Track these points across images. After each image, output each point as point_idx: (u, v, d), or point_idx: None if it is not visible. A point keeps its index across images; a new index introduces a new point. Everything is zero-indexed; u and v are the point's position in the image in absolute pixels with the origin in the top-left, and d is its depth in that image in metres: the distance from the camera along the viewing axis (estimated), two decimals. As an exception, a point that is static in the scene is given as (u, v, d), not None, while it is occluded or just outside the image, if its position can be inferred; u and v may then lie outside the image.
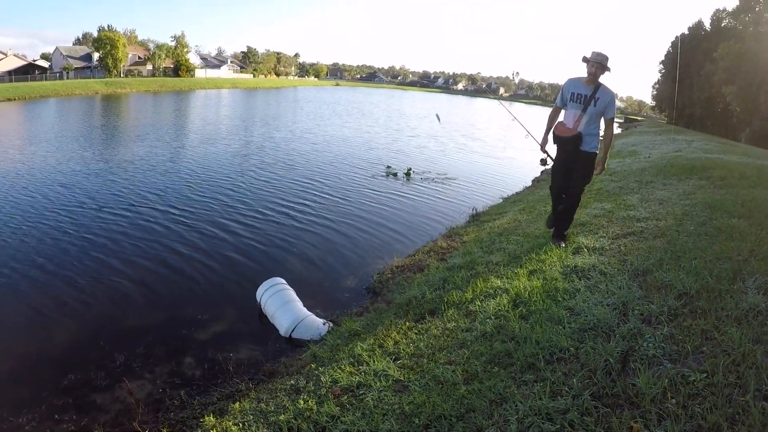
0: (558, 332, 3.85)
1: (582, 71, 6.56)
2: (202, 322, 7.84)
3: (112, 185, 16.35)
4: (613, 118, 6.54)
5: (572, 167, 6.59)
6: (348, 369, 4.52)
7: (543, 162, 7.15)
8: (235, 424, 4.23)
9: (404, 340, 4.94)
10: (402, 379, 4.00)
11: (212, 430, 4.31)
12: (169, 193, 15.44)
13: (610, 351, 3.39)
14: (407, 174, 18.65)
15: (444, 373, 3.77)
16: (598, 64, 6.21)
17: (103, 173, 18.39)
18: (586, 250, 6.11)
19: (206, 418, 4.63)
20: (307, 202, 14.48)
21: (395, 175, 18.74)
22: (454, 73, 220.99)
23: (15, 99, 61.34)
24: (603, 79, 6.41)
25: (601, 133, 6.69)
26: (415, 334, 5.06)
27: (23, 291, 9.04)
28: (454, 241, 9.98)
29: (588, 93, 6.36)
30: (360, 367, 4.50)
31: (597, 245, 6.23)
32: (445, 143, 30.37)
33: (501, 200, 15.06)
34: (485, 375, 3.58)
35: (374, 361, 4.49)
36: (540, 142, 6.99)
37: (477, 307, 5.09)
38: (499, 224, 10.34)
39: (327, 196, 15.25)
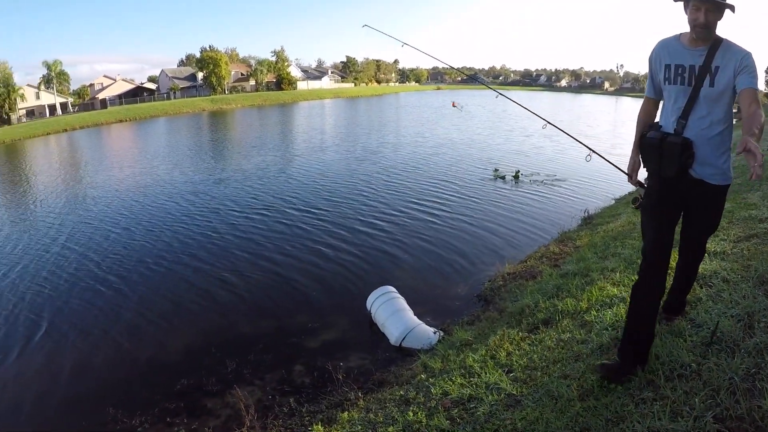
0: (679, 346, 3.63)
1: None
2: (313, 330, 8.06)
3: (233, 193, 17.62)
4: (754, 89, 3.15)
5: (676, 208, 3.57)
6: (459, 381, 4.48)
7: (637, 203, 4.07)
8: (342, 434, 4.32)
9: (517, 352, 4.84)
10: (515, 393, 3.92)
11: (320, 438, 4.44)
12: (282, 201, 16.19)
13: (735, 368, 3.15)
14: (515, 176, 18.33)
15: (558, 388, 3.66)
16: (709, 4, 3.15)
17: (225, 182, 19.84)
18: (706, 255, 5.74)
19: (314, 427, 4.74)
20: (415, 209, 14.59)
21: (503, 177, 18.48)
22: (556, 69, 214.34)
23: (126, 120, 67.40)
24: (723, 29, 3.30)
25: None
26: (529, 345, 4.95)
27: (139, 299, 9.77)
28: (567, 246, 9.71)
29: (698, 61, 3.28)
30: (471, 379, 4.45)
31: (718, 249, 5.80)
32: (560, 141, 29.51)
33: (613, 201, 14.43)
34: (601, 391, 3.43)
35: (486, 373, 4.43)
36: (627, 168, 3.98)
37: (593, 318, 4.92)
38: (612, 227, 9.94)
39: (435, 202, 15.29)
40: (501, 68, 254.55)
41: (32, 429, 6.49)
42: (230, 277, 10.42)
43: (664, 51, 3.53)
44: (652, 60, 3.64)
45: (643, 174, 3.79)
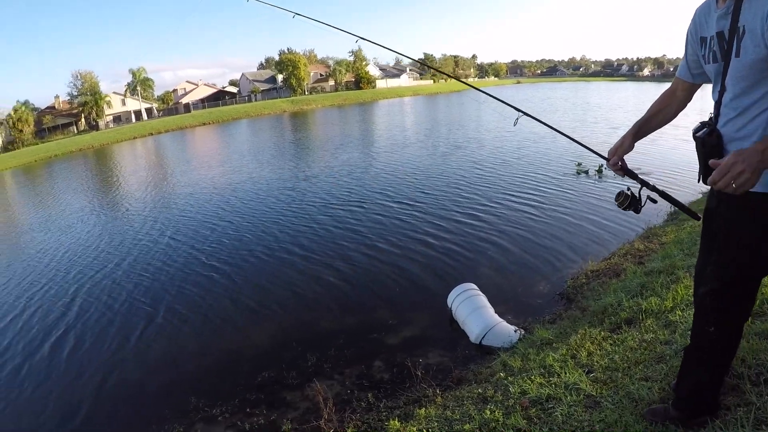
0: (766, 349, 3.52)
1: None
2: (393, 326, 8.15)
3: (322, 189, 18.38)
4: None
5: (714, 230, 2.70)
6: (538, 380, 4.45)
7: (620, 200, 3.18)
8: (419, 430, 4.35)
9: (598, 352, 4.77)
10: (594, 394, 3.86)
11: (396, 434, 4.49)
12: (365, 198, 16.60)
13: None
14: (599, 171, 17.74)
15: (639, 391, 3.58)
16: None
17: (314, 178, 20.89)
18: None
19: (391, 422, 4.79)
20: (496, 204, 14.49)
21: (586, 172, 17.95)
22: (638, 58, 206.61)
23: (209, 123, 72.43)
24: None
25: None
26: (610, 345, 4.86)
27: (227, 291, 10.37)
28: (652, 243, 9.41)
29: (724, 24, 2.32)
30: (550, 378, 4.42)
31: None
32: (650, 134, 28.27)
33: (701, 195, 13.78)
34: (684, 394, 3.35)
35: (566, 373, 4.39)
36: (609, 151, 3.09)
37: (677, 318, 4.78)
38: (700, 223, 9.55)
39: (517, 197, 15.13)
40: (581, 59, 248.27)
41: (117, 416, 7.01)
42: (313, 272, 10.76)
43: (702, 19, 2.56)
44: (690, 31, 2.68)
45: (633, 163, 3.06)
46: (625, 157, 3.00)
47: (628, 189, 3.11)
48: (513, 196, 15.37)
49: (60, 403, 7.38)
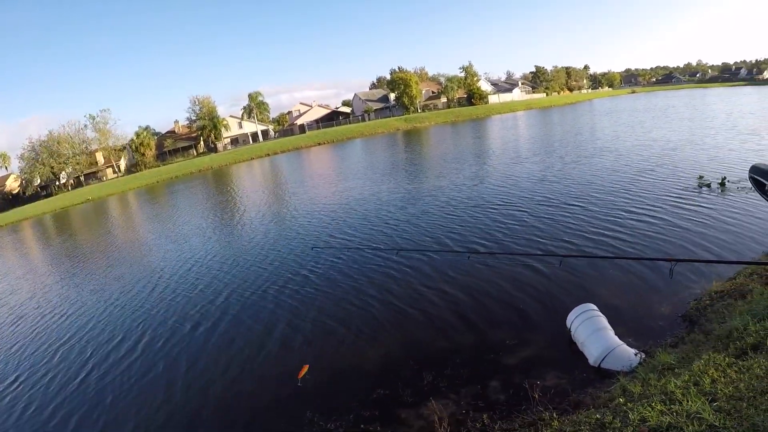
0: None
1: None
2: (510, 347, 8.22)
3: (427, 205, 18.45)
4: None
5: None
6: (659, 407, 4.42)
7: None
8: (535, 455, 4.44)
9: (722, 379, 4.67)
10: (717, 425, 3.81)
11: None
12: (475, 217, 16.65)
13: None
14: (722, 184, 16.82)
15: (765, 422, 3.52)
16: None
17: (427, 196, 20.71)
18: None
19: (503, 444, 4.89)
20: (613, 219, 14.24)
21: (708, 186, 17.02)
22: (756, 60, 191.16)
23: (324, 143, 76.76)
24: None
25: None
26: (735, 372, 4.75)
27: (342, 308, 10.98)
28: (782, 262, 8.96)
29: None
30: (672, 406, 4.38)
31: None
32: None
33: None
34: (815, 428, 3.29)
35: (688, 401, 4.34)
36: None
37: (808, 344, 4.64)
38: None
39: (636, 213, 14.73)
40: (697, 64, 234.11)
41: (234, 424, 7.60)
42: (429, 290, 11.08)
43: None
44: None
45: None
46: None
47: None
48: (628, 212, 14.92)
49: (178, 408, 8.40)
